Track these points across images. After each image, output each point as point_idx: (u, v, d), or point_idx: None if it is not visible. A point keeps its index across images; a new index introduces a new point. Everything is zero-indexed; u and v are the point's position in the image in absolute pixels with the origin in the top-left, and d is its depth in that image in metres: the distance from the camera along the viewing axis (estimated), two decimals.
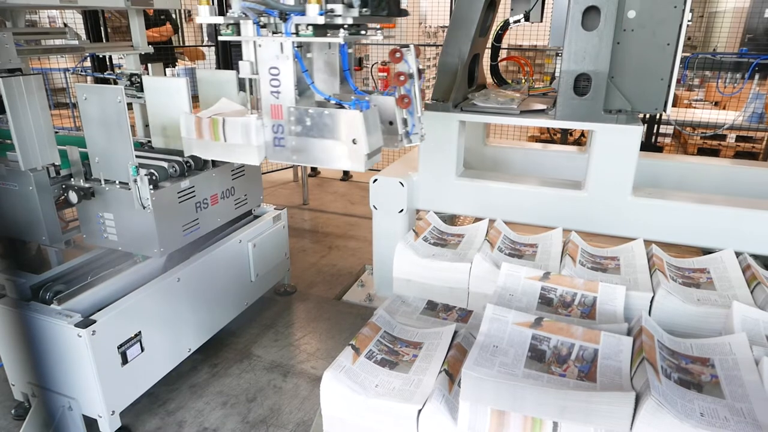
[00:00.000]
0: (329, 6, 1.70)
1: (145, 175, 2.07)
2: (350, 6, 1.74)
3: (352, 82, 1.98)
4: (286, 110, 1.86)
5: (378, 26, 1.94)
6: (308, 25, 1.73)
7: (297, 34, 1.77)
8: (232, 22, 1.84)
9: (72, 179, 2.22)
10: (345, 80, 2.01)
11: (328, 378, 1.72)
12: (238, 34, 1.86)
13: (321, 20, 1.69)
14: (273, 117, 1.89)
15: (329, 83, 2.03)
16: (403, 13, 1.99)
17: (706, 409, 1.44)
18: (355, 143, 1.79)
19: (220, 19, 1.84)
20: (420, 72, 1.91)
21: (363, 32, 1.87)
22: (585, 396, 1.46)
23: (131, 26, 3.01)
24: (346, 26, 1.77)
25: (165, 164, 2.28)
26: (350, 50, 2.00)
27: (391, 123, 1.92)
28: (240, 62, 1.91)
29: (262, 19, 1.82)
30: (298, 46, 1.82)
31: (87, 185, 2.16)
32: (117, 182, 2.16)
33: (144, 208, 2.10)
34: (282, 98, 1.86)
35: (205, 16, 1.83)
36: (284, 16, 1.77)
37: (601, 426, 1.45)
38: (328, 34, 1.81)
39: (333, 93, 1.99)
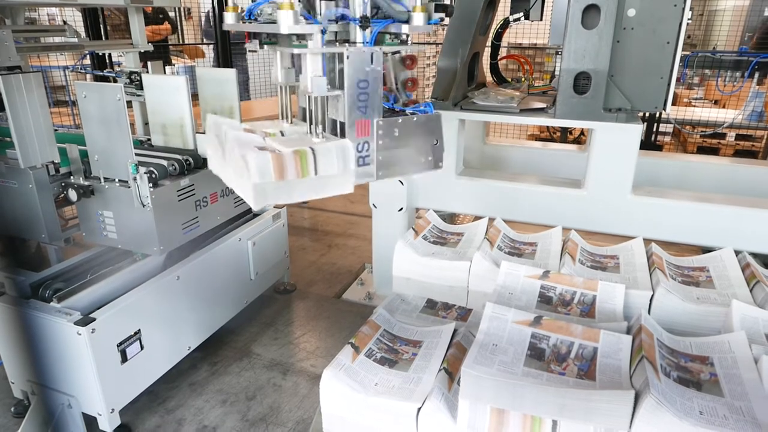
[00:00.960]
0: (438, 15, 1.66)
1: (145, 173, 2.07)
2: (451, 15, 1.72)
3: None
4: (375, 124, 1.71)
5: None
6: (405, 34, 1.68)
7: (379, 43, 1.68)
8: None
9: (71, 177, 2.21)
10: None
11: (327, 376, 1.72)
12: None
13: (429, 29, 1.64)
14: (359, 135, 1.70)
15: None
16: None
17: (706, 407, 1.44)
18: (436, 144, 1.79)
19: (308, 29, 1.58)
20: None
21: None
22: (584, 394, 1.47)
23: (131, 24, 3.01)
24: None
25: (164, 162, 2.27)
26: None
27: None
28: (313, 78, 1.64)
29: (330, 27, 1.64)
30: None
31: (86, 183, 2.15)
32: (116, 180, 2.16)
33: (143, 206, 2.10)
34: (370, 112, 1.70)
35: (287, 24, 1.55)
36: (365, 24, 1.63)
37: (600, 424, 1.45)
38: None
39: None
